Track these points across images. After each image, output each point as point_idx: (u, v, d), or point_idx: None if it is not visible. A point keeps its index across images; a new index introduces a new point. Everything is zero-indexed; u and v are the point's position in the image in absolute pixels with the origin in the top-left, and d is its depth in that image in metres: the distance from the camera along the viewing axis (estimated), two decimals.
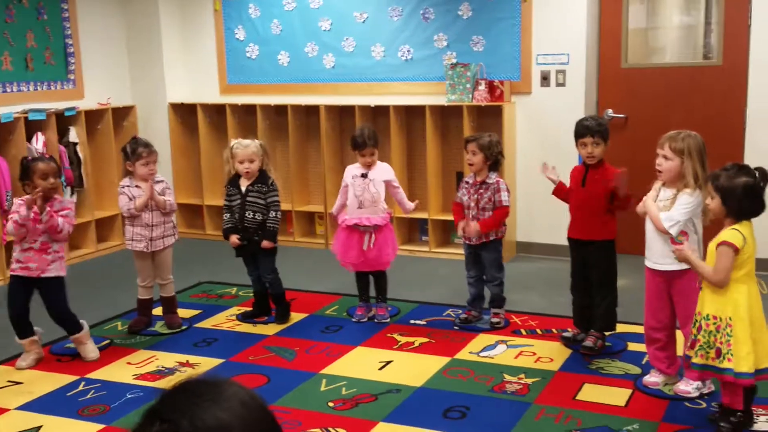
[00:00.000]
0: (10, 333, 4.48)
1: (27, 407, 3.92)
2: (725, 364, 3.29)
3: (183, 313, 5.14)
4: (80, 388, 4.13)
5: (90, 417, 3.78)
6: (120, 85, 7.33)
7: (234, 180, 4.95)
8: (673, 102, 6.01)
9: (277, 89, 7.19)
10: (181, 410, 1.11)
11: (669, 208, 3.72)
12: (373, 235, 4.89)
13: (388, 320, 4.99)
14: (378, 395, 3.93)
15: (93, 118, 6.87)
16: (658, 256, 3.82)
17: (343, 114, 6.92)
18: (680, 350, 3.93)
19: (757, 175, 3.35)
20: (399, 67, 6.71)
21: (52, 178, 4.31)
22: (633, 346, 4.44)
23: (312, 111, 6.97)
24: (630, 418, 3.63)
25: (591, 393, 3.90)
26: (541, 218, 6.31)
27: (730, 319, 3.29)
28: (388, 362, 4.35)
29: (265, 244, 4.87)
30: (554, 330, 4.74)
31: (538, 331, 4.77)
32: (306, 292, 5.57)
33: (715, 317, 3.34)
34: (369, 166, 4.93)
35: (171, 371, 4.31)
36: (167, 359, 4.47)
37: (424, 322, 4.95)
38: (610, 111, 6.18)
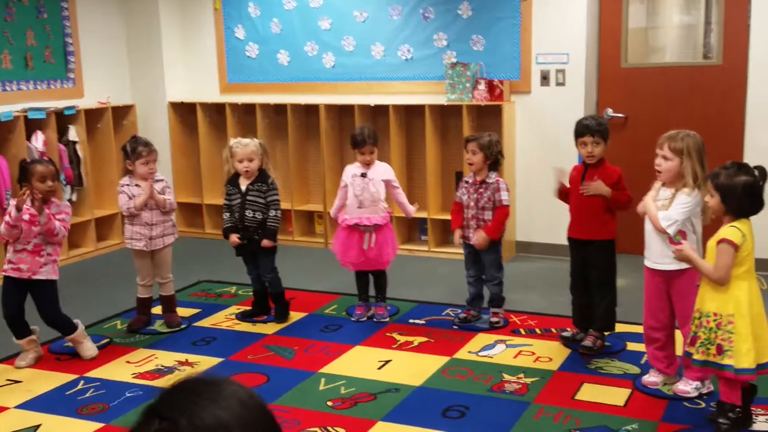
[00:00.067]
0: (9, 332, 4.48)
1: (26, 406, 3.92)
2: (726, 361, 3.30)
3: (182, 312, 5.14)
4: (79, 386, 4.13)
5: (89, 416, 3.78)
6: (120, 84, 7.33)
7: (234, 179, 4.95)
8: (673, 101, 6.01)
9: (277, 88, 7.19)
10: (180, 409, 1.11)
11: (667, 208, 3.72)
12: (374, 235, 4.89)
13: (387, 319, 4.99)
14: (377, 394, 3.93)
15: (93, 116, 6.87)
16: (658, 256, 3.82)
17: (342, 113, 6.92)
18: (679, 350, 3.93)
19: (756, 173, 3.37)
20: (399, 66, 6.71)
21: (50, 181, 4.30)
22: (632, 346, 4.44)
23: (312, 110, 6.96)
24: (629, 417, 3.63)
25: (590, 393, 3.90)
26: (540, 218, 6.31)
27: (732, 316, 3.31)
28: (387, 361, 4.35)
29: (266, 243, 4.87)
30: (553, 330, 4.74)
31: (537, 330, 4.77)
32: (305, 291, 5.57)
33: (715, 314, 3.35)
34: (368, 164, 4.93)
35: (170, 370, 4.31)
36: (166, 358, 4.47)
37: (424, 322, 4.95)
38: (609, 110, 6.18)
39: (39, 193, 4.24)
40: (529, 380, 4.06)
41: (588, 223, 4.33)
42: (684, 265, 3.68)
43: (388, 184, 4.97)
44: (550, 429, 3.56)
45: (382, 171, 4.98)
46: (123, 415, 3.76)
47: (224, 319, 5.10)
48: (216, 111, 7.34)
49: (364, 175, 4.91)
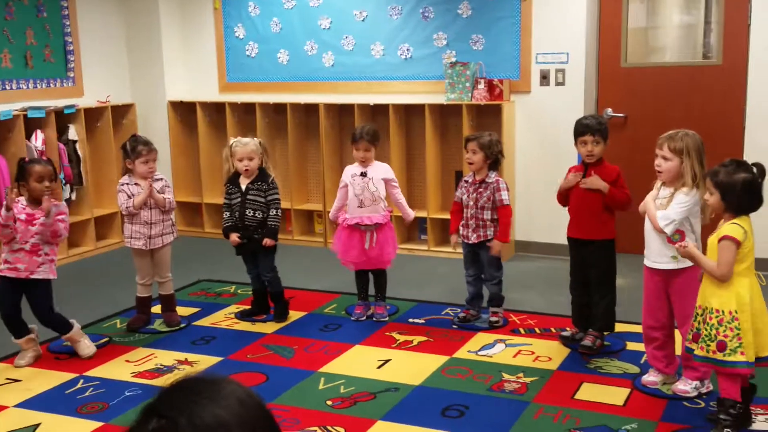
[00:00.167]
0: (8, 331, 4.48)
1: (25, 405, 3.92)
2: (737, 357, 3.30)
3: (182, 311, 5.14)
4: (79, 385, 4.13)
5: (88, 414, 3.78)
6: (119, 83, 7.33)
7: (234, 178, 4.95)
8: (672, 101, 6.01)
9: (277, 87, 7.19)
10: (179, 408, 1.11)
11: (666, 207, 3.72)
12: (375, 234, 4.89)
13: (387, 319, 4.99)
14: (376, 394, 3.93)
15: (92, 115, 6.87)
16: (657, 255, 3.82)
17: (342, 112, 6.92)
18: (679, 350, 3.94)
19: (755, 170, 3.38)
20: (398, 65, 6.71)
21: (48, 181, 4.30)
22: (632, 346, 4.44)
23: (311, 109, 6.96)
24: (628, 417, 3.63)
25: (589, 392, 3.90)
26: (540, 217, 6.31)
27: (735, 312, 3.32)
28: (387, 361, 4.35)
29: (267, 242, 4.87)
30: (553, 329, 4.74)
31: (537, 330, 4.77)
32: (305, 290, 5.57)
33: (717, 310, 3.36)
34: (363, 161, 4.92)
35: (170, 369, 4.31)
36: (166, 357, 4.47)
37: (423, 321, 4.95)
38: (609, 110, 6.18)
39: (37, 193, 4.25)
40: (528, 380, 4.06)
41: (587, 222, 4.33)
42: (683, 265, 3.69)
43: (387, 183, 4.97)
44: (549, 428, 3.56)
45: (382, 170, 4.98)
46: (122, 414, 3.76)
47: (224, 318, 5.10)
48: (216, 110, 7.34)
49: (363, 175, 4.91)
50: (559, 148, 5.98)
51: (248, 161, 4.85)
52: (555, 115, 6.16)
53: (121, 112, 7.12)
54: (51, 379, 4.21)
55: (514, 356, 4.37)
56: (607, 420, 3.60)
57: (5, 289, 4.35)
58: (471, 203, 4.75)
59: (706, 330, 3.38)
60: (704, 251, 3.54)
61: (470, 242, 4.79)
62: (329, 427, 3.59)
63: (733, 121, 5.81)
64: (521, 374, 4.13)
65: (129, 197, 4.77)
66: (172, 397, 1.14)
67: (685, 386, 3.82)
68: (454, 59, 6.45)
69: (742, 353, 3.31)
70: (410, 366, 4.27)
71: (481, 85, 6.22)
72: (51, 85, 6.73)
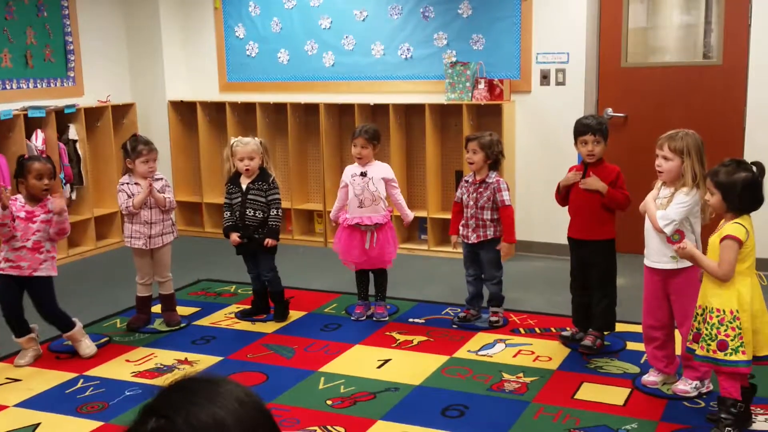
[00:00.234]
0: (8, 330, 4.48)
1: (26, 404, 3.92)
2: (739, 357, 3.30)
3: (182, 310, 5.14)
4: (79, 385, 4.13)
5: (88, 414, 3.78)
6: (120, 82, 7.33)
7: (234, 178, 4.95)
8: (672, 101, 6.01)
9: (277, 87, 7.19)
10: (177, 408, 1.11)
11: (666, 207, 3.72)
12: (375, 234, 4.89)
13: (387, 318, 4.99)
14: (376, 393, 3.93)
15: (93, 115, 6.87)
16: (656, 255, 3.82)
17: (342, 112, 6.92)
18: (679, 349, 3.94)
19: (755, 169, 3.38)
20: (399, 65, 6.71)
21: (47, 179, 4.30)
22: (632, 345, 4.44)
23: (311, 109, 6.96)
24: (628, 417, 3.63)
25: (589, 392, 3.90)
26: (540, 217, 6.31)
27: (737, 311, 3.32)
28: (387, 360, 4.35)
29: (269, 242, 4.88)
30: (553, 329, 4.74)
31: (537, 330, 4.77)
32: (305, 290, 5.57)
33: (719, 310, 3.36)
34: (360, 158, 4.92)
35: (170, 369, 4.31)
36: (166, 357, 4.47)
37: (423, 321, 4.95)
38: (609, 110, 6.18)
39: (36, 190, 4.26)
40: (528, 379, 4.06)
41: (587, 223, 4.33)
42: (682, 264, 3.69)
43: (387, 183, 4.97)
44: (549, 428, 3.56)
45: (382, 170, 4.98)
46: (122, 414, 3.76)
47: (224, 318, 5.10)
48: (216, 110, 7.34)
49: (363, 175, 4.91)
50: (560, 148, 5.98)
51: (249, 161, 4.86)
52: (555, 114, 6.16)
53: (122, 111, 7.13)
54: (51, 378, 4.21)
55: (514, 356, 4.37)
56: (607, 420, 3.60)
57: (7, 288, 4.35)
58: (471, 203, 4.75)
59: (707, 330, 3.38)
60: (704, 251, 3.54)
61: (470, 242, 4.79)
62: (329, 427, 3.59)
63: (733, 121, 5.81)
64: (521, 374, 4.13)
65: (129, 197, 4.78)
66: (171, 397, 1.14)
67: (686, 386, 3.82)
68: (454, 59, 6.45)
69: (743, 352, 3.31)
70: (410, 366, 4.27)
71: (482, 85, 6.22)
72: (51, 84, 6.73)
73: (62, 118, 6.54)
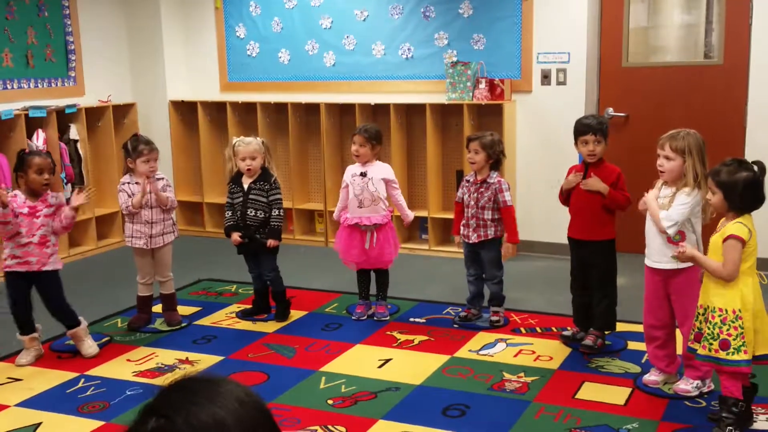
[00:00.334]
0: (9, 330, 4.48)
1: (27, 404, 3.92)
2: (741, 356, 3.30)
3: (183, 310, 5.15)
4: (80, 384, 4.13)
5: (90, 414, 3.79)
6: (120, 82, 7.33)
7: (236, 177, 4.96)
8: (673, 101, 6.00)
9: (278, 87, 7.19)
10: (177, 407, 1.11)
11: (667, 206, 3.72)
12: (375, 234, 4.89)
13: (388, 318, 4.99)
14: (377, 393, 3.93)
15: (93, 115, 6.87)
16: (657, 255, 3.82)
17: (343, 112, 6.92)
18: (680, 349, 3.93)
19: (756, 169, 3.38)
20: (399, 65, 6.71)
21: (47, 174, 4.32)
22: (633, 345, 4.44)
23: (312, 109, 6.96)
24: (630, 416, 3.63)
25: (590, 391, 3.90)
26: (541, 217, 6.31)
27: (739, 311, 3.31)
28: (388, 360, 4.35)
29: (271, 242, 4.88)
30: (554, 328, 4.74)
31: (538, 329, 4.77)
32: (306, 289, 5.57)
33: (721, 309, 3.35)
34: (358, 156, 4.92)
35: (170, 368, 4.31)
36: (167, 356, 4.48)
37: (424, 320, 4.95)
38: (610, 110, 6.18)
39: (36, 185, 4.27)
40: (529, 379, 4.06)
41: (587, 223, 4.33)
42: (683, 264, 3.68)
43: (387, 184, 4.97)
44: (550, 428, 3.56)
45: (382, 171, 4.97)
46: (123, 414, 3.77)
47: (225, 318, 5.10)
48: (217, 110, 7.34)
49: (363, 175, 4.91)
50: (560, 147, 5.98)
51: (251, 161, 4.86)
52: (556, 114, 6.16)
53: (122, 111, 7.13)
54: (52, 378, 4.21)
55: (515, 356, 4.37)
56: (608, 419, 3.60)
57: (16, 285, 4.36)
58: (472, 203, 4.75)
59: (709, 329, 3.38)
60: (705, 251, 3.54)
61: (471, 242, 4.79)
62: (330, 427, 3.59)
63: (733, 121, 5.81)
64: (522, 374, 4.13)
65: (130, 196, 4.78)
66: (170, 397, 1.14)
67: (687, 385, 3.82)
68: (455, 59, 6.44)
69: (745, 352, 3.31)
70: (411, 365, 4.27)
71: (482, 85, 6.22)
72: (52, 84, 6.74)
73: (63, 117, 6.55)
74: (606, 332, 4.45)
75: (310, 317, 5.07)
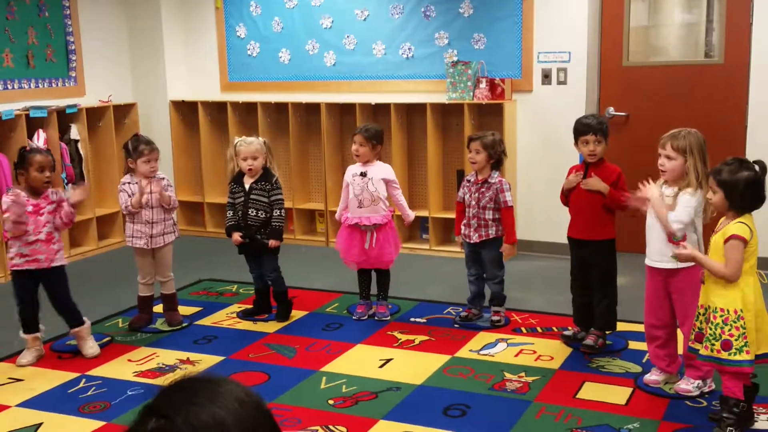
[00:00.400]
0: (10, 330, 4.48)
1: (28, 404, 3.92)
2: (743, 356, 3.30)
3: (183, 310, 5.14)
4: (81, 385, 4.13)
5: (90, 414, 3.79)
6: (121, 82, 7.33)
7: (238, 177, 4.96)
8: (674, 100, 6.00)
9: (278, 87, 7.19)
10: (177, 407, 1.11)
11: (670, 206, 3.72)
12: (374, 234, 4.89)
13: (389, 318, 4.99)
14: (378, 393, 3.93)
15: (94, 115, 6.87)
16: (657, 254, 3.82)
17: (343, 112, 6.92)
18: (680, 348, 3.93)
19: (757, 168, 3.38)
20: (400, 64, 6.71)
21: (48, 171, 4.33)
22: (633, 345, 4.43)
23: (313, 109, 6.96)
24: (630, 416, 3.63)
25: (591, 391, 3.90)
26: (541, 216, 6.30)
27: (741, 311, 3.31)
28: (389, 360, 4.35)
29: (272, 243, 4.88)
30: (555, 328, 4.74)
31: (539, 329, 4.76)
32: (306, 289, 5.57)
33: (722, 309, 3.35)
34: (358, 156, 4.92)
35: (171, 368, 4.31)
36: (168, 356, 4.48)
37: (425, 320, 4.95)
38: (611, 109, 6.18)
39: (37, 183, 4.27)
40: (530, 379, 4.06)
41: (587, 223, 4.33)
42: (683, 264, 3.68)
43: (388, 184, 4.96)
44: (551, 428, 3.56)
45: (382, 171, 4.97)
46: (124, 414, 3.77)
47: (225, 318, 5.10)
48: (217, 110, 7.34)
49: (363, 175, 4.91)
50: (561, 147, 5.98)
51: (252, 161, 4.86)
52: (557, 114, 6.15)
53: (123, 111, 7.13)
54: (53, 378, 4.21)
55: (516, 355, 4.37)
56: (609, 419, 3.60)
57: (24, 283, 4.37)
58: (473, 203, 4.75)
59: (711, 329, 3.38)
60: (706, 250, 3.53)
61: (472, 242, 4.79)
62: (331, 427, 3.59)
63: (734, 120, 5.80)
64: (523, 373, 4.12)
65: (130, 196, 4.78)
66: (170, 397, 1.14)
67: (688, 385, 3.81)
68: (455, 58, 6.44)
69: (747, 352, 3.31)
70: (412, 365, 4.27)
71: (483, 84, 6.21)
72: (53, 84, 6.74)
73: (64, 118, 6.55)
74: (607, 332, 4.45)
75: (311, 317, 5.06)
